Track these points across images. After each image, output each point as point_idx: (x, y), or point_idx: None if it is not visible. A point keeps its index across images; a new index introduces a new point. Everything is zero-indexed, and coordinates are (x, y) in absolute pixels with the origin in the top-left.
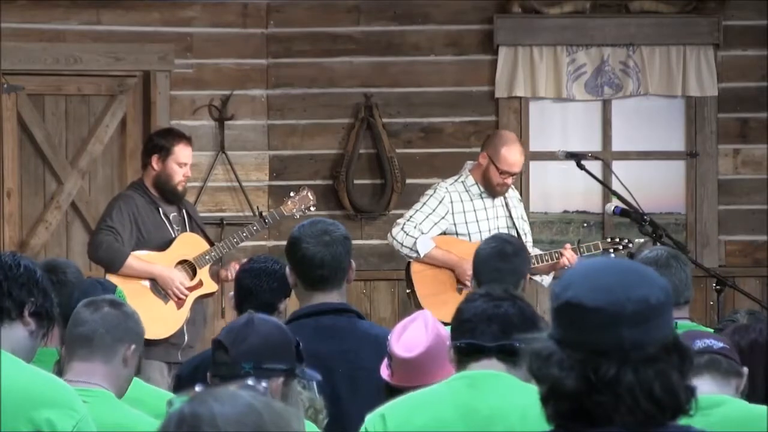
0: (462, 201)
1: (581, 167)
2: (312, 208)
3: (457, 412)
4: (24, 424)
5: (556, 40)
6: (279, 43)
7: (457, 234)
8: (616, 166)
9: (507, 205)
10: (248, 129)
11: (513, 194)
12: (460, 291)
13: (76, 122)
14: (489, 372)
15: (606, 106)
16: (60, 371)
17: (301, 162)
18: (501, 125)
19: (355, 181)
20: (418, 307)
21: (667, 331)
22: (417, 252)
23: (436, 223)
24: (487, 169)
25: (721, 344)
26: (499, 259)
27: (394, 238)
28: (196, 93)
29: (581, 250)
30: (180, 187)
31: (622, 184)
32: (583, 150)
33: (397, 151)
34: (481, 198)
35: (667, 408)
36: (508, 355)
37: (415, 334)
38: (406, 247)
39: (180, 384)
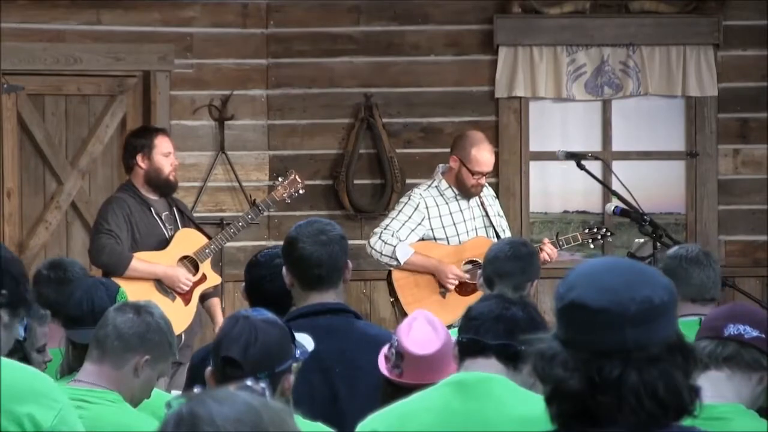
0: (437, 205)
1: (581, 167)
2: (301, 191)
3: (445, 421)
4: (7, 421)
5: (556, 40)
6: (279, 43)
7: (435, 239)
8: (616, 166)
9: (483, 204)
10: (248, 129)
11: (487, 192)
12: (443, 295)
13: (76, 122)
14: (481, 375)
15: (606, 106)
16: (63, 371)
17: (301, 162)
18: (501, 125)
19: (355, 181)
20: (403, 315)
21: (670, 331)
22: (397, 260)
23: (413, 230)
24: (459, 172)
25: (756, 333)
26: (509, 259)
27: (372, 248)
28: (196, 93)
29: (560, 243)
30: (172, 177)
31: (622, 184)
32: (583, 150)
33: (397, 151)
34: (456, 200)
35: (670, 408)
36: (510, 358)
37: (425, 332)
38: (385, 255)
39: (192, 374)
